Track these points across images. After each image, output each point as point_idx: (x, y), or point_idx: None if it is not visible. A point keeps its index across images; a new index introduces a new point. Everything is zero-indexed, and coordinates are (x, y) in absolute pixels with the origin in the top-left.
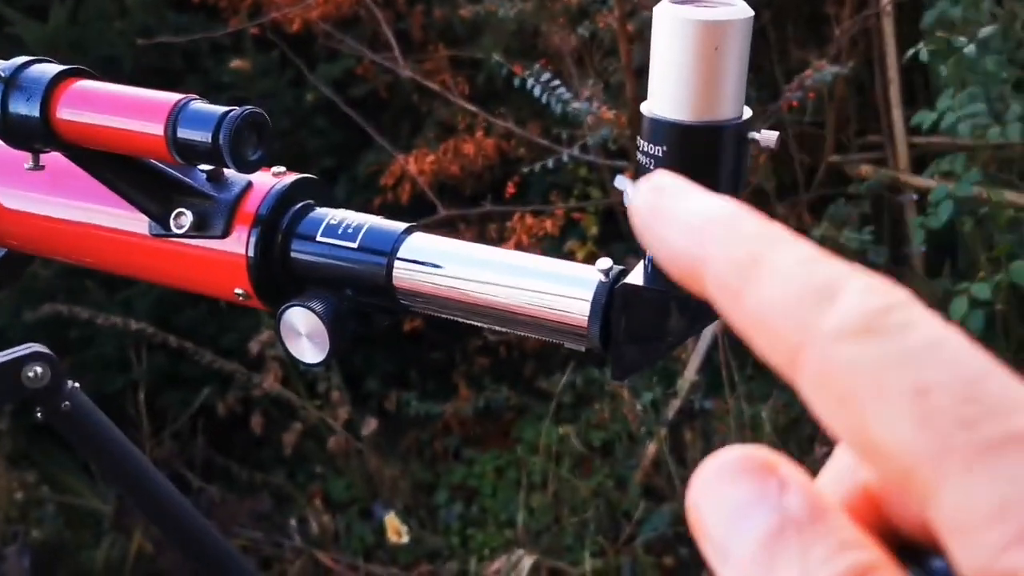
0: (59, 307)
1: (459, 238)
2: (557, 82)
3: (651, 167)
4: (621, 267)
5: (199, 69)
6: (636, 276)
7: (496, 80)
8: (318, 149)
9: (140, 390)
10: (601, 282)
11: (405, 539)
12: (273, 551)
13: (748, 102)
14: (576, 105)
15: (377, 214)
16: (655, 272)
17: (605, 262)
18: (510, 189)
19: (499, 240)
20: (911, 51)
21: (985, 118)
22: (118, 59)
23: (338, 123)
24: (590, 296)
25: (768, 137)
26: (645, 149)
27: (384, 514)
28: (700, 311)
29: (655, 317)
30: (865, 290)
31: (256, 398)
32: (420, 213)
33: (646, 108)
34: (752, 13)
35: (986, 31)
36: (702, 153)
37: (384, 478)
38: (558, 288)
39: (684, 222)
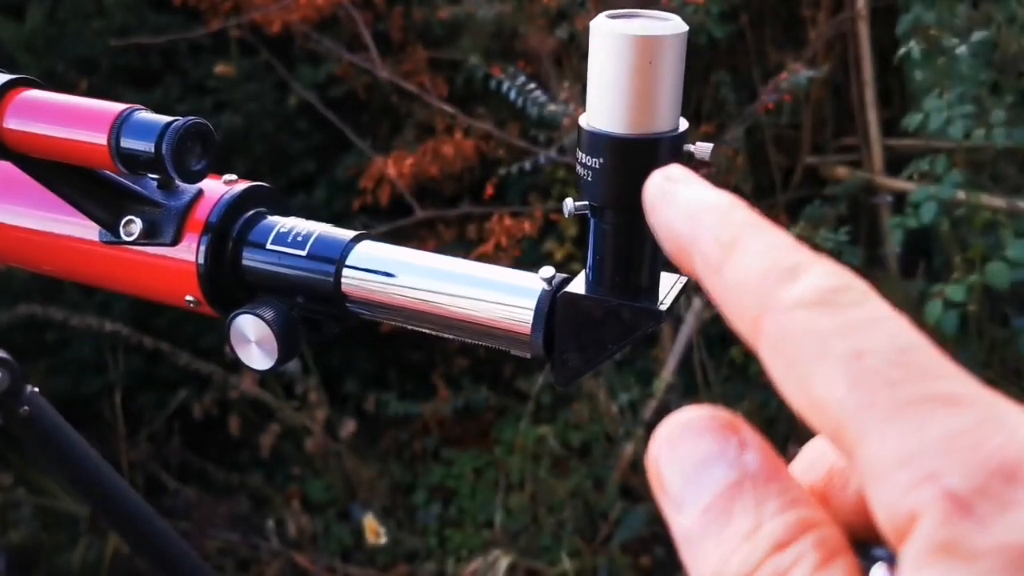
0: (35, 308)
1: (438, 239)
2: (532, 85)
3: (589, 179)
4: (564, 275)
5: (177, 70)
6: (578, 285)
7: (475, 81)
8: (299, 152)
9: (116, 392)
10: (544, 290)
11: (383, 540)
12: (250, 553)
13: (726, 104)
14: (552, 107)
15: (357, 216)
16: (596, 281)
17: (548, 271)
18: (489, 190)
19: (478, 241)
20: (902, 50)
21: (971, 119)
22: (96, 59)
23: (319, 125)
24: (533, 304)
25: (703, 149)
26: (583, 161)
27: (362, 515)
28: (639, 319)
29: (596, 325)
30: (826, 273)
31: (233, 400)
32: (400, 215)
33: (584, 120)
34: (686, 28)
35: (979, 34)
36: (639, 165)
37: (362, 479)
38: (502, 297)
39: (685, 206)
